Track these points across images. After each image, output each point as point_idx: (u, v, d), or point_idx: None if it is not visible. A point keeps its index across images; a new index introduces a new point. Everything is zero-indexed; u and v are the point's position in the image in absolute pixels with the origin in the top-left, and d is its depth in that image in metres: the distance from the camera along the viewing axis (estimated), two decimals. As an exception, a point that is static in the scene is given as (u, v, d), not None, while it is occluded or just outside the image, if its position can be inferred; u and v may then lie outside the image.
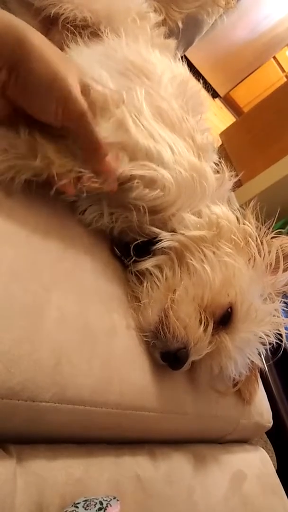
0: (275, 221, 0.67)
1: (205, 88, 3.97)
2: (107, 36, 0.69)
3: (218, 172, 0.68)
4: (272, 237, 0.65)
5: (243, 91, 4.29)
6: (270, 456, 1.10)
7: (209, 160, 0.67)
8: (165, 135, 0.60)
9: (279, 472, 1.08)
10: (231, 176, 0.67)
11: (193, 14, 0.93)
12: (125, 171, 0.54)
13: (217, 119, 3.92)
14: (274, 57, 4.20)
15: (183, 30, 0.93)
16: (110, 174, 0.53)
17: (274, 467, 1.08)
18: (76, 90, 0.46)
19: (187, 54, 3.61)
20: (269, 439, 1.19)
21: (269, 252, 0.62)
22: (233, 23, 3.54)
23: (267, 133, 2.74)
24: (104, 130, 0.51)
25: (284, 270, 0.63)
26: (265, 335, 0.61)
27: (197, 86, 0.73)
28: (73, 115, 0.47)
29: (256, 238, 0.62)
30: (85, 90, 0.48)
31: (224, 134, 3.04)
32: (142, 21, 0.74)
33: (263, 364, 0.71)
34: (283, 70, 4.30)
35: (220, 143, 2.97)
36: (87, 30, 0.71)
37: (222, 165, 0.68)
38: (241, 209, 0.66)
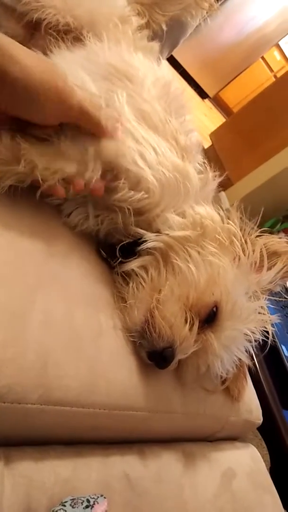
0: (264, 220, 0.68)
1: (194, 89, 3.99)
2: (89, 41, 0.69)
3: (202, 172, 0.69)
4: (257, 236, 0.65)
5: (233, 92, 4.32)
6: (264, 454, 1.11)
7: (193, 161, 0.68)
8: (148, 137, 0.60)
9: (273, 469, 1.09)
10: (215, 176, 0.68)
11: (177, 16, 0.94)
12: (115, 161, 0.55)
13: (207, 119, 3.94)
14: (263, 57, 4.24)
15: (167, 33, 0.94)
16: (115, 133, 0.55)
17: (268, 465, 1.09)
18: (67, 87, 0.47)
19: (176, 56, 3.65)
20: (262, 437, 1.19)
21: (254, 250, 0.63)
22: (221, 25, 3.57)
23: (257, 132, 2.76)
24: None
25: (268, 269, 0.64)
26: (251, 332, 0.61)
27: (180, 88, 0.73)
28: (72, 111, 0.48)
29: (241, 237, 0.63)
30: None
31: (214, 135, 3.05)
32: (124, 25, 0.75)
33: (252, 361, 0.72)
34: (271, 70, 4.34)
35: (210, 143, 2.98)
36: (69, 35, 0.72)
37: (206, 165, 0.68)
38: (232, 208, 0.67)
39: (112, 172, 0.56)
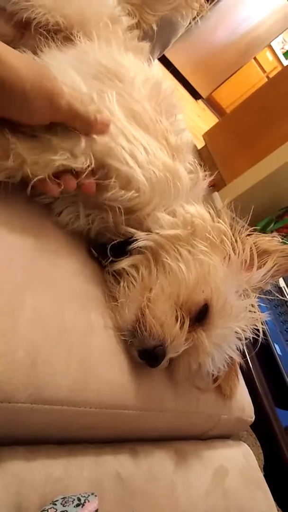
0: (258, 219, 0.68)
1: (187, 90, 4.00)
2: (79, 40, 0.70)
3: (193, 172, 0.69)
4: (247, 235, 0.66)
5: (226, 92, 4.34)
6: (259, 453, 1.11)
7: (183, 161, 0.68)
8: (139, 136, 0.60)
9: (266, 467, 1.10)
10: (205, 175, 0.68)
11: (167, 16, 0.95)
12: (105, 158, 0.55)
13: (200, 120, 3.95)
14: (255, 58, 4.26)
15: (158, 33, 0.94)
16: (107, 126, 0.55)
17: (262, 463, 1.09)
18: (55, 86, 0.47)
19: (169, 56, 3.66)
20: (255, 435, 1.20)
21: (244, 249, 0.63)
22: (214, 25, 3.58)
23: (250, 133, 2.77)
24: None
25: (259, 267, 0.64)
26: (242, 330, 0.62)
27: (171, 87, 0.74)
28: (61, 110, 0.49)
29: (231, 236, 0.63)
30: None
31: (207, 135, 3.05)
32: (114, 25, 0.75)
33: (244, 359, 0.72)
34: (264, 71, 4.36)
35: (203, 144, 2.99)
36: (60, 34, 0.72)
37: (196, 165, 0.69)
38: (223, 207, 0.67)
39: (102, 170, 0.56)
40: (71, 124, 0.52)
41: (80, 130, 0.53)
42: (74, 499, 0.43)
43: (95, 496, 0.44)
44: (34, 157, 0.49)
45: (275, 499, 0.82)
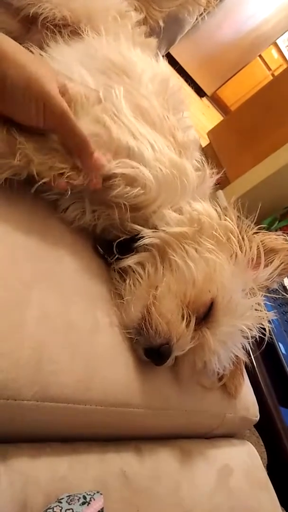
0: (262, 218, 0.68)
1: (192, 87, 3.98)
2: (87, 35, 0.69)
3: (200, 169, 0.69)
4: (254, 233, 0.65)
5: (230, 90, 4.31)
6: (262, 452, 1.11)
7: (190, 158, 0.68)
8: (146, 133, 0.60)
9: (270, 466, 1.09)
10: (212, 173, 0.68)
11: (174, 12, 0.94)
12: (109, 168, 0.55)
13: (204, 118, 3.94)
14: (260, 56, 4.23)
15: (164, 29, 0.94)
16: (98, 170, 0.53)
17: (266, 462, 1.09)
18: (53, 90, 0.46)
19: (174, 54, 3.64)
20: (259, 434, 1.19)
21: (251, 247, 0.63)
22: (219, 23, 3.56)
23: (255, 131, 2.75)
24: (83, 124, 0.51)
25: (265, 266, 0.64)
26: (248, 329, 0.61)
27: (178, 84, 0.73)
28: (54, 115, 0.47)
29: (238, 234, 0.63)
30: (62, 89, 0.48)
31: (212, 133, 3.05)
32: (123, 20, 0.75)
33: (249, 358, 0.71)
34: (269, 69, 4.33)
35: (207, 142, 2.98)
36: (67, 29, 0.71)
37: (203, 162, 0.68)
38: (229, 205, 0.67)
39: (109, 167, 0.55)
40: (65, 139, 0.51)
41: (72, 150, 0.51)
42: (79, 497, 0.43)
43: (101, 494, 0.44)
44: (41, 157, 0.49)
45: (278, 498, 0.82)
